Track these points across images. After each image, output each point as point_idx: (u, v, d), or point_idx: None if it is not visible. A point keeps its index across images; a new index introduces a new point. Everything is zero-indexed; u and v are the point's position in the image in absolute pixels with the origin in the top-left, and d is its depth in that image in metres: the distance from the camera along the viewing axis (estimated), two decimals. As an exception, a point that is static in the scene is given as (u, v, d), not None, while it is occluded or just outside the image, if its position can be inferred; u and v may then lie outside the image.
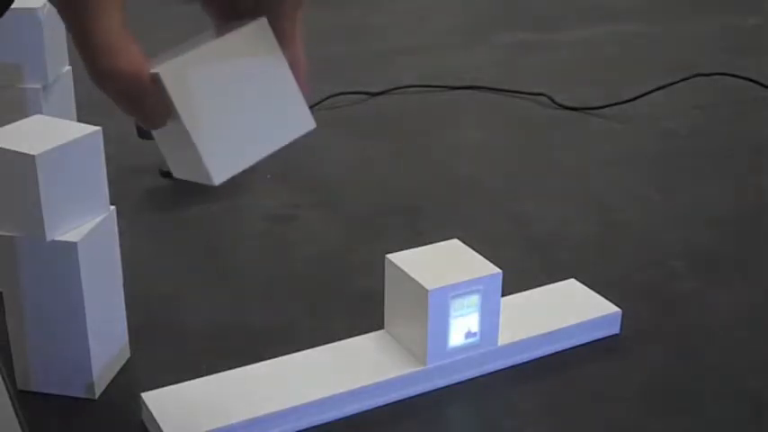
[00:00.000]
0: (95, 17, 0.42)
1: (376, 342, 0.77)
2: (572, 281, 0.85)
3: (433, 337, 0.73)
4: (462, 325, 0.74)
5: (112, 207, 0.73)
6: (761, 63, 1.45)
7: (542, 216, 1.02)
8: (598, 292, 0.83)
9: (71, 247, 0.68)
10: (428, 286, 0.71)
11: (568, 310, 0.81)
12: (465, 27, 1.69)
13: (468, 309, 0.73)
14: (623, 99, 1.30)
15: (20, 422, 0.66)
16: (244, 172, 0.49)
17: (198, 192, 1.04)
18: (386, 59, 1.50)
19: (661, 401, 0.74)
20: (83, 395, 0.73)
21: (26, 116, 0.74)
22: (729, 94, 1.35)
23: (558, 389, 0.75)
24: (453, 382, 0.75)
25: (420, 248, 0.76)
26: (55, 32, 0.88)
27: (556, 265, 0.91)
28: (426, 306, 0.71)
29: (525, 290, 0.84)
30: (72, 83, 0.94)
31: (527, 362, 0.78)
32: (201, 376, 0.73)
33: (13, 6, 0.47)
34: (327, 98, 1.30)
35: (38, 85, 0.87)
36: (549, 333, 0.78)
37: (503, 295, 0.75)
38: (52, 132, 0.69)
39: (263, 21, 0.49)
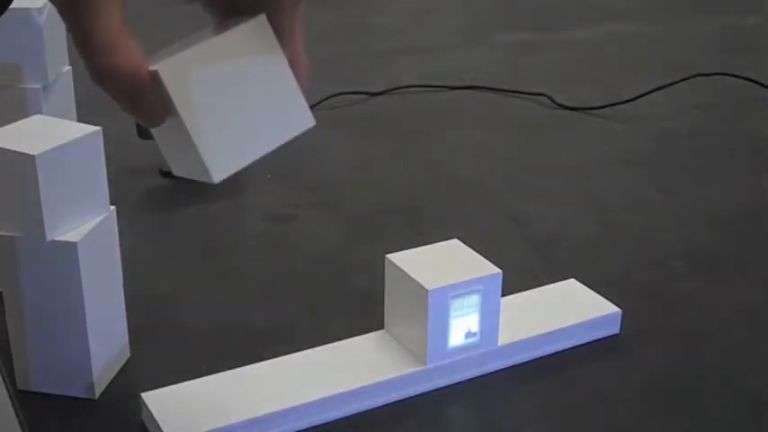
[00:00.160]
0: (95, 16, 0.42)
1: (376, 342, 0.77)
2: (572, 281, 0.85)
3: (433, 337, 0.73)
4: (462, 325, 0.74)
5: (112, 207, 0.73)
6: (761, 63, 1.45)
7: (542, 216, 1.02)
8: (598, 292, 0.83)
9: (71, 247, 0.68)
10: (428, 286, 0.71)
11: (568, 310, 0.81)
12: (465, 27, 1.69)
13: (468, 309, 0.73)
14: (623, 99, 1.30)
15: (20, 422, 0.66)
16: (243, 171, 0.49)
17: (198, 192, 1.04)
18: (386, 59, 1.50)
19: (661, 401, 0.74)
20: (83, 395, 0.73)
21: (26, 116, 0.74)
22: (729, 94, 1.35)
23: (558, 389, 0.75)
24: (453, 382, 0.75)
25: (420, 248, 0.76)
26: (55, 32, 0.88)
27: (556, 265, 0.91)
28: (426, 306, 0.71)
29: (525, 290, 0.84)
30: (72, 83, 0.94)
31: (527, 362, 0.78)
32: (201, 376, 0.73)
33: (12, 6, 0.47)
34: (327, 98, 1.30)
35: (38, 85, 0.87)
36: (549, 333, 0.78)
37: (503, 295, 0.75)
38: (52, 132, 0.69)
39: (263, 18, 0.49)
